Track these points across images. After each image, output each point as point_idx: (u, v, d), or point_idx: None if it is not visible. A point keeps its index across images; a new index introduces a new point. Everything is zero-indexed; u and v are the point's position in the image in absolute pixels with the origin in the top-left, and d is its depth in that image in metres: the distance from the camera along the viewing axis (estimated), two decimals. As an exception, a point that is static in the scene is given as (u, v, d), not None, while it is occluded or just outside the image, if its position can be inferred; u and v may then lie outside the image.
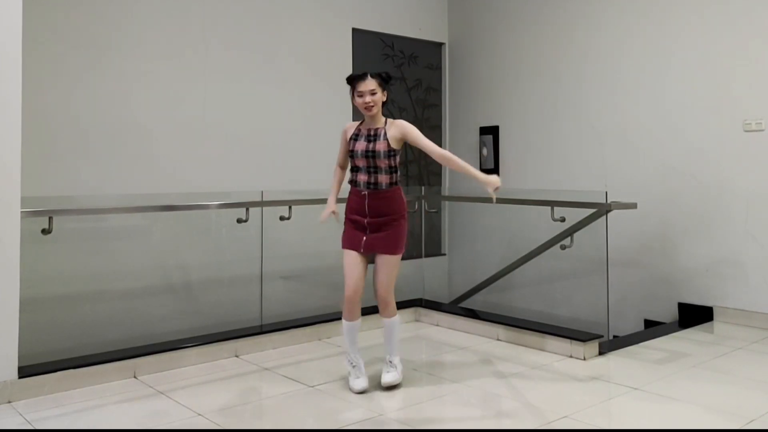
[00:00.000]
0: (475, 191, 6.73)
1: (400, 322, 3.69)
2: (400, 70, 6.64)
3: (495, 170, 6.47)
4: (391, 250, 3.43)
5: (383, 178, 3.44)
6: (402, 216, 3.48)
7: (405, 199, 3.55)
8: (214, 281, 5.17)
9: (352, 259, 3.44)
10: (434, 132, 6.89)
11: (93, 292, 4.61)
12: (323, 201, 5.14)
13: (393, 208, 3.45)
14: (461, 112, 6.85)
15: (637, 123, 5.48)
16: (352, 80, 3.46)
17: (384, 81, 3.47)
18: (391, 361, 3.57)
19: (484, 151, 6.58)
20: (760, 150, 4.83)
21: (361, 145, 3.45)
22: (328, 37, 6.01)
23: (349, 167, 3.61)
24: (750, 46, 4.89)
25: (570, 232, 4.65)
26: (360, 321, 3.54)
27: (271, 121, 5.62)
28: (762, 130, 4.82)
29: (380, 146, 3.42)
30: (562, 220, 4.68)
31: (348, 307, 3.46)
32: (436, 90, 6.93)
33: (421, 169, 6.74)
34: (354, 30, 6.19)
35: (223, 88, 5.34)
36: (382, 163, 3.42)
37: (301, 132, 5.79)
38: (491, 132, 6.54)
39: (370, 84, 3.40)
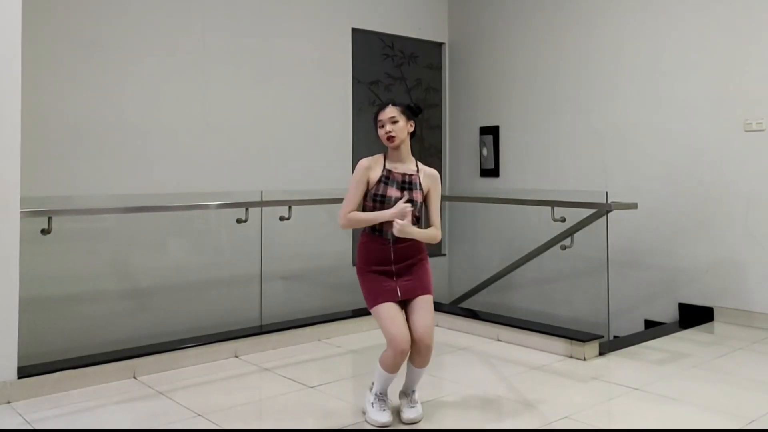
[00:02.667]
0: (475, 191, 6.76)
1: None
2: (400, 70, 6.64)
3: (495, 170, 6.47)
4: (427, 290, 3.09)
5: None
6: (426, 256, 3.17)
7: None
8: (214, 281, 5.17)
9: (392, 311, 3.00)
10: (434, 132, 6.89)
11: (93, 292, 4.60)
12: (323, 201, 5.19)
13: (418, 250, 3.12)
14: (461, 112, 6.84)
15: (637, 123, 5.48)
16: (375, 112, 3.15)
17: (409, 110, 3.12)
18: (413, 394, 3.18)
19: (484, 151, 6.57)
20: (761, 150, 4.83)
21: (394, 192, 3.05)
22: (328, 37, 6.00)
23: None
24: (750, 46, 4.88)
25: (570, 233, 4.65)
26: None
27: (270, 121, 5.61)
28: (762, 130, 4.82)
29: (418, 196, 3.07)
30: (563, 220, 4.68)
31: (399, 362, 2.98)
32: (436, 90, 6.92)
33: (421, 169, 6.73)
34: (354, 30, 6.19)
35: (223, 88, 5.33)
36: (416, 213, 3.09)
37: (300, 132, 5.79)
38: (491, 132, 6.53)
39: (389, 111, 3.07)
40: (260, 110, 5.55)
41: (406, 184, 3.09)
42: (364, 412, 3.17)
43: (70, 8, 4.65)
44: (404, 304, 3.07)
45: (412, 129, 3.13)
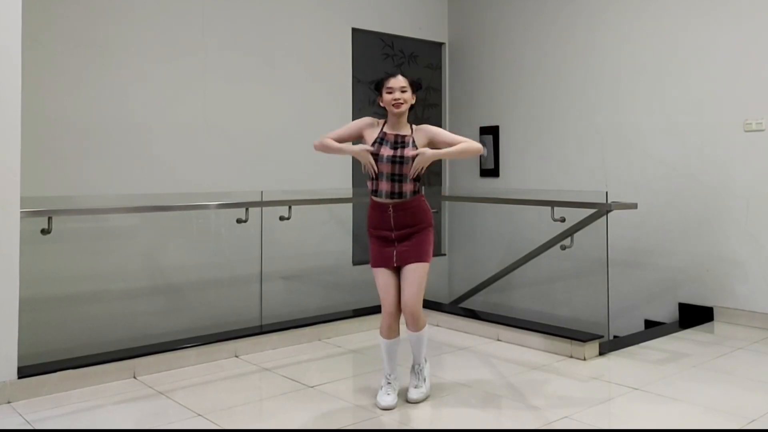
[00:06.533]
0: (475, 191, 6.76)
1: (428, 329, 3.45)
2: (400, 69, 6.60)
3: (495, 170, 6.47)
4: (420, 258, 3.26)
5: (408, 187, 3.26)
6: (429, 224, 3.34)
7: (430, 209, 3.38)
8: (214, 281, 5.17)
9: (386, 276, 3.28)
10: (434, 132, 6.88)
11: (93, 292, 4.61)
12: (323, 201, 5.20)
13: (420, 217, 3.30)
14: (461, 112, 6.84)
15: (637, 123, 5.48)
16: (383, 79, 3.33)
17: (415, 84, 3.36)
18: (420, 371, 3.41)
19: (484, 151, 6.57)
20: (761, 150, 4.83)
21: (386, 151, 3.25)
22: (327, 37, 6.00)
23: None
24: (750, 46, 4.88)
25: (570, 233, 4.64)
26: (399, 337, 3.38)
27: (271, 121, 5.61)
28: (762, 130, 4.82)
29: (409, 152, 3.24)
30: (563, 220, 4.67)
31: (388, 324, 3.30)
32: (436, 90, 6.92)
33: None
34: (354, 30, 6.19)
35: (223, 88, 5.33)
36: (409, 170, 3.25)
37: (301, 132, 5.78)
38: (491, 132, 6.54)
39: (401, 81, 3.29)
40: (260, 110, 5.55)
41: (398, 144, 3.29)
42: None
43: (72, 10, 4.65)
44: (400, 268, 3.31)
45: (413, 101, 3.37)
